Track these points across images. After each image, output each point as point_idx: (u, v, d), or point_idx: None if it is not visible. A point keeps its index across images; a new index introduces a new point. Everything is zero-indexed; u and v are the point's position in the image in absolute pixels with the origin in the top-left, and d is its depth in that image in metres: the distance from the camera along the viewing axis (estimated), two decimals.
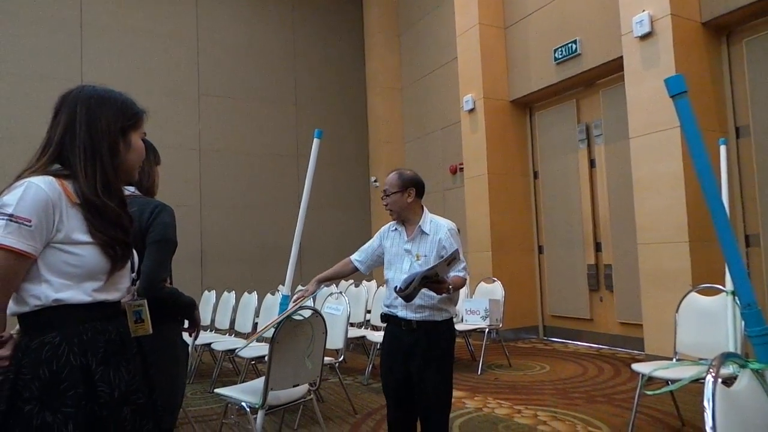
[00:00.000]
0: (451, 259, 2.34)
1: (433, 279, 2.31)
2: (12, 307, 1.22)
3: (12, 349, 1.20)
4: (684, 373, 2.95)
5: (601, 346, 6.26)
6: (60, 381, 1.19)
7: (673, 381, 2.93)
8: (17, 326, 1.26)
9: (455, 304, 2.59)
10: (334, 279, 2.74)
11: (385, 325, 2.64)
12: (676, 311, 3.48)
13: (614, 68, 5.91)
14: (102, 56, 8.07)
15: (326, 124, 8.50)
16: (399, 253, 2.56)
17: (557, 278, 6.97)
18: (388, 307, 2.56)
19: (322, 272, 2.71)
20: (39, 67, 7.68)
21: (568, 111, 6.85)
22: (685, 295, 3.49)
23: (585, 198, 6.57)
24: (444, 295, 2.42)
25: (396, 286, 2.36)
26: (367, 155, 9.99)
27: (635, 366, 3.31)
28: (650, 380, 3.13)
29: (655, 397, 3.78)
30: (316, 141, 2.77)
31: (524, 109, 7.42)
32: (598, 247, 6.46)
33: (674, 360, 3.41)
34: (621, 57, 5.40)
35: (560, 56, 6.46)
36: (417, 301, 2.41)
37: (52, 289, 1.21)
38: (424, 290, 2.36)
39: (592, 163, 6.54)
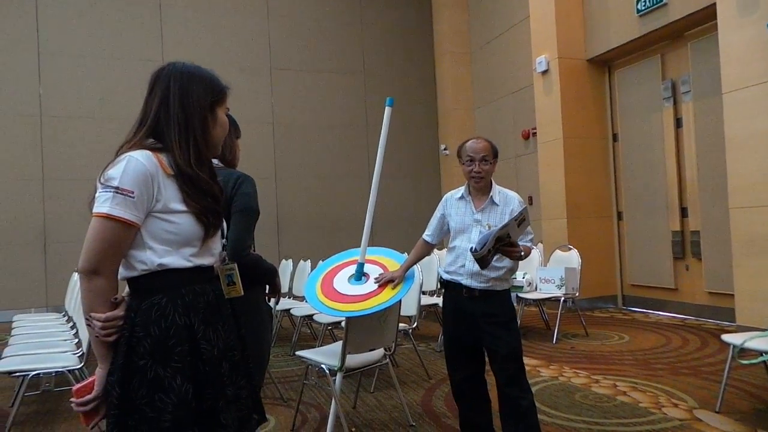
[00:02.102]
0: (521, 219, 2.31)
1: (506, 242, 2.29)
2: (122, 272, 1.34)
3: (125, 309, 1.32)
4: None
5: (686, 317, 5.96)
6: (168, 338, 1.30)
7: None
8: (126, 289, 1.38)
9: (513, 275, 2.63)
10: (417, 262, 2.77)
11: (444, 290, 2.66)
12: None
13: (705, 17, 5.43)
14: (180, 35, 8.44)
15: (394, 93, 8.43)
16: (468, 223, 2.55)
17: (638, 246, 6.66)
18: (449, 273, 2.57)
19: (406, 257, 2.77)
20: (124, 48, 8.16)
21: (651, 67, 6.39)
22: None
23: (670, 160, 6.17)
24: (515, 260, 2.43)
25: (472, 247, 2.34)
26: (436, 122, 9.88)
27: (725, 336, 3.13)
28: (742, 351, 2.96)
29: (747, 369, 3.57)
30: (387, 109, 2.75)
31: (603, 68, 7.01)
32: (683, 213, 6.08)
33: None
34: (713, 4, 4.95)
35: (643, 7, 6.01)
36: (485, 270, 2.41)
37: (155, 255, 1.32)
38: (496, 257, 2.35)
39: (678, 123, 6.11)
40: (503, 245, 2.31)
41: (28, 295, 7.61)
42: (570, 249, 5.57)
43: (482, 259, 2.31)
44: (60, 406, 3.70)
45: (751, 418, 2.98)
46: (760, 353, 2.89)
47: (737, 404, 3.21)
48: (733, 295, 4.84)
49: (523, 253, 2.42)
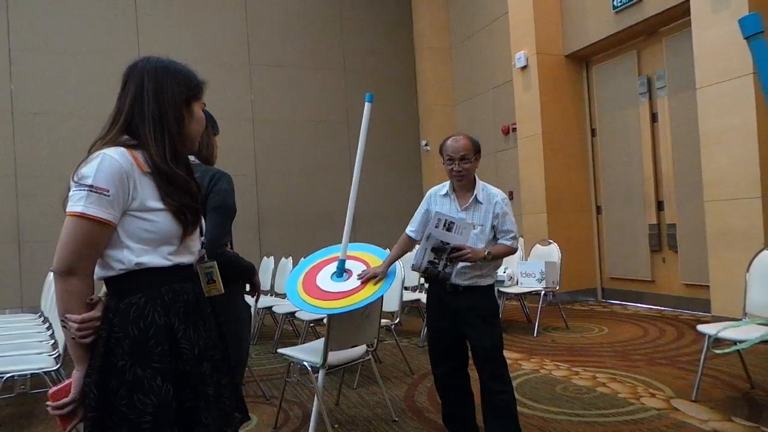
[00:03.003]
0: (448, 223, 2.34)
1: (449, 250, 2.33)
2: (99, 272, 1.31)
3: (102, 310, 1.29)
4: (753, 332, 2.83)
5: (663, 308, 6.08)
6: (148, 339, 1.27)
7: (742, 341, 2.83)
8: (103, 289, 1.35)
9: (497, 270, 2.65)
10: (400, 257, 2.77)
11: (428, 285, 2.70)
12: (747, 270, 3.32)
13: (679, 13, 5.52)
14: (156, 30, 8.28)
15: (375, 88, 8.41)
16: None
17: (616, 239, 6.76)
18: None
19: (390, 253, 2.77)
20: (97, 44, 7.97)
21: (628, 63, 6.49)
22: (758, 254, 3.32)
23: (646, 154, 6.28)
24: (485, 260, 2.45)
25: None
26: (417, 118, 9.88)
27: (701, 327, 3.21)
28: (717, 341, 3.03)
29: (722, 359, 3.66)
30: (367, 105, 2.74)
31: (580, 64, 7.09)
32: (660, 206, 6.19)
33: (743, 320, 3.27)
34: (687, 1, 5.03)
35: (619, 4, 6.09)
36: (462, 266, 2.44)
37: (133, 254, 1.29)
38: (462, 263, 2.42)
39: (654, 118, 6.21)
40: (450, 254, 2.35)
41: (2, 295, 7.42)
42: (550, 243, 5.64)
43: (436, 274, 2.38)
44: (36, 408, 3.62)
45: (726, 406, 3.06)
46: (734, 342, 2.96)
47: (713, 393, 3.29)
48: (708, 287, 4.95)
49: (489, 253, 2.44)
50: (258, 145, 8.85)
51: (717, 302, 4.77)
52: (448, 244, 2.35)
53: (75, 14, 7.93)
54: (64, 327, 1.27)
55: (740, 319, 3.28)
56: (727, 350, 2.85)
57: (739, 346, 2.80)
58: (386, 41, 9.72)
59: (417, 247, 2.60)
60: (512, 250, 2.58)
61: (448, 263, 2.39)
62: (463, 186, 2.55)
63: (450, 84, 9.52)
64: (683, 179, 5.80)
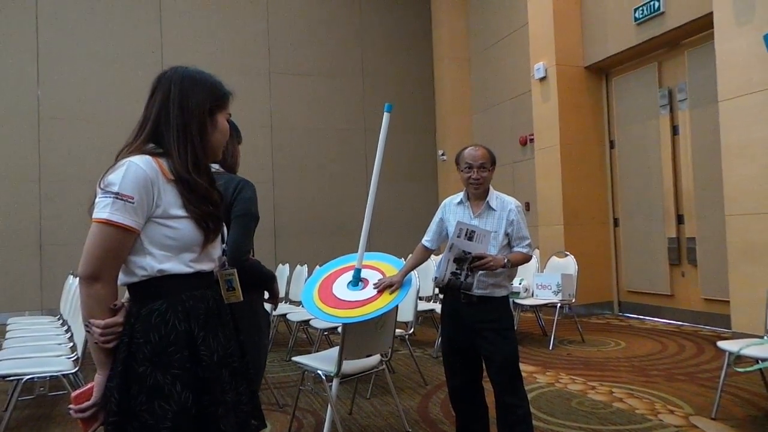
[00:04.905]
0: (470, 232, 2.35)
1: (471, 259, 2.33)
2: (122, 278, 1.33)
3: (124, 316, 1.31)
4: None
5: (682, 323, 5.98)
6: (168, 345, 1.29)
7: (765, 360, 2.77)
8: (126, 295, 1.38)
9: (512, 281, 2.64)
10: (416, 267, 2.78)
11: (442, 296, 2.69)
12: None
13: (702, 26, 5.47)
14: (179, 38, 8.43)
15: (393, 97, 8.45)
16: None
17: (634, 252, 6.68)
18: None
19: (405, 263, 2.78)
20: (123, 51, 8.14)
21: (648, 75, 6.43)
22: None
23: (666, 167, 6.20)
24: (502, 269, 2.44)
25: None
26: (434, 127, 9.89)
27: (721, 343, 3.15)
28: (738, 359, 2.97)
29: (743, 376, 3.59)
30: (386, 115, 2.75)
31: (600, 75, 7.05)
32: (680, 220, 6.11)
33: (765, 338, 3.20)
34: (710, 13, 4.98)
35: (641, 15, 6.05)
36: (480, 274, 2.43)
37: (155, 260, 1.31)
38: (481, 271, 2.41)
39: (674, 130, 6.14)
40: (471, 263, 2.35)
41: (23, 297, 7.57)
42: (567, 255, 5.59)
43: (459, 284, 2.38)
44: (54, 410, 3.67)
45: (747, 425, 2.99)
46: (756, 361, 2.90)
47: (733, 411, 3.22)
48: (728, 302, 4.85)
49: (508, 260, 2.44)
50: (276, 152, 8.94)
51: (737, 318, 4.68)
52: (469, 253, 2.36)
53: (101, 22, 8.12)
54: (88, 332, 1.29)
55: (762, 336, 3.21)
56: (749, 368, 2.80)
57: (762, 365, 2.75)
58: (405, 50, 9.77)
59: (434, 258, 2.61)
60: (528, 258, 2.58)
61: (470, 273, 2.39)
62: (478, 194, 2.58)
63: (468, 94, 9.53)
64: (704, 193, 5.71)
